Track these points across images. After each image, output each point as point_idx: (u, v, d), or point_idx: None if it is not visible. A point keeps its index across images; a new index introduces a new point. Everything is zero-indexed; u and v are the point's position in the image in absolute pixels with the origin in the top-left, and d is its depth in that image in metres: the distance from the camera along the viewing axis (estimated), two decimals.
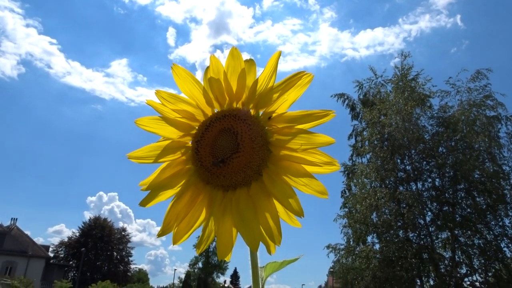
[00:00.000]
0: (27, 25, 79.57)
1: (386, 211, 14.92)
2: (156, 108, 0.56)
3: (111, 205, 72.48)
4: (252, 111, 0.54)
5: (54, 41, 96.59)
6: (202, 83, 0.56)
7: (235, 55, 0.54)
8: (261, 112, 0.54)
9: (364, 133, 18.03)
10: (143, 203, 0.55)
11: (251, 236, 0.49)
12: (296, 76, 0.51)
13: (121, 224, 67.00)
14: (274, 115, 0.52)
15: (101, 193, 70.48)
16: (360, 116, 19.03)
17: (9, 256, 35.05)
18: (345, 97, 19.93)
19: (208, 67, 0.55)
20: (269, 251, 0.50)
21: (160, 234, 0.53)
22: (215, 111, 0.55)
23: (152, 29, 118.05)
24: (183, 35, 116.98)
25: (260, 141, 0.51)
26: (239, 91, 0.54)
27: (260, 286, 0.58)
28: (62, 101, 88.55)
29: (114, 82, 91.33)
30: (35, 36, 79.99)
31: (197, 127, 0.56)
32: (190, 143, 0.56)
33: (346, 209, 16.87)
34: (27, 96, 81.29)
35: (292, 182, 0.50)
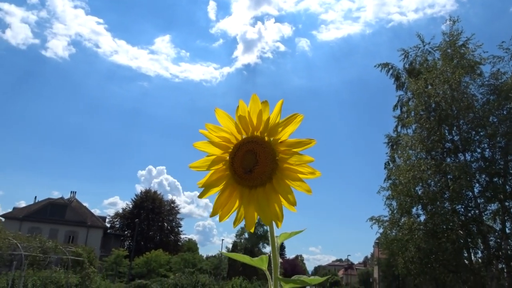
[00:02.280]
0: (75, 7, 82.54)
1: (432, 183, 14.77)
2: (206, 135, 0.89)
3: (160, 178, 75.82)
4: (266, 138, 0.85)
5: (101, 20, 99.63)
6: (234, 118, 0.87)
7: (254, 100, 0.84)
8: (272, 139, 0.84)
9: (410, 103, 17.64)
10: (200, 196, 0.89)
11: (265, 217, 0.81)
12: (293, 117, 0.82)
13: (170, 197, 70.20)
14: (279, 141, 0.83)
15: (150, 167, 73.81)
16: (405, 86, 18.60)
17: (70, 226, 38.17)
18: (390, 66, 19.48)
19: (238, 108, 0.86)
20: (278, 226, 0.83)
21: (211, 215, 0.87)
22: (243, 137, 0.87)
23: (193, 4, 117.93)
24: (224, 8, 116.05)
25: (271, 158, 0.83)
26: (258, 124, 0.85)
27: (276, 248, 0.91)
28: (111, 79, 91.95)
29: (159, 58, 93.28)
30: (83, 17, 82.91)
31: (232, 147, 0.88)
32: (228, 158, 0.88)
33: (390, 181, 16.81)
34: (78, 76, 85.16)
35: (291, 184, 0.82)
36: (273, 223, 0.85)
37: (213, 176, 0.89)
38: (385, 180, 17.38)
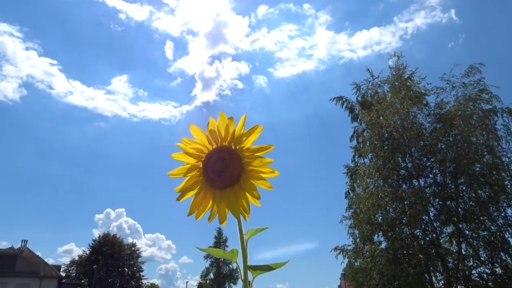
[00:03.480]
0: (27, 48, 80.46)
1: (390, 209, 15.34)
2: (182, 147, 1.06)
3: (119, 221, 72.79)
4: (233, 147, 1.03)
5: (55, 62, 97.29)
6: (206, 132, 1.05)
7: (222, 116, 1.03)
8: (238, 147, 1.03)
9: (365, 134, 18.49)
10: (178, 199, 1.05)
11: (235, 211, 0.98)
12: (254, 128, 1.01)
13: (130, 240, 67.24)
14: (244, 148, 1.02)
15: (108, 210, 70.81)
16: (359, 118, 19.53)
17: (21, 278, 35.57)
18: (344, 99, 20.45)
19: (208, 123, 1.04)
20: (245, 219, 1.00)
21: (188, 214, 1.03)
22: (213, 147, 1.05)
23: (150, 44, 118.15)
24: (181, 47, 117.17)
25: (238, 162, 1.01)
26: (226, 136, 1.03)
27: (245, 245, 1.07)
28: (65, 120, 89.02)
29: (116, 98, 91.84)
30: (35, 59, 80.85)
31: (204, 156, 1.05)
32: (201, 165, 1.05)
33: (352, 210, 17.29)
34: (30, 118, 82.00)
35: (255, 182, 1.00)
36: (241, 217, 1.02)
37: (189, 181, 1.06)
38: (346, 209, 17.87)
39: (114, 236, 47.80)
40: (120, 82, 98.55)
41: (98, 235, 49.51)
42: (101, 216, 70.68)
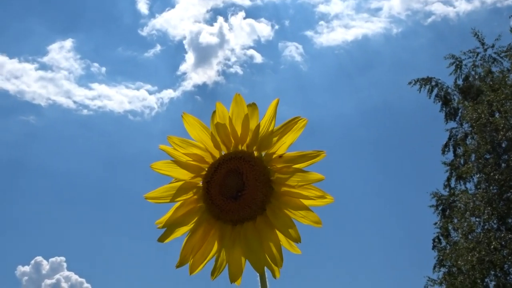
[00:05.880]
0: None
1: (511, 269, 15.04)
2: (169, 152, 1.04)
3: (56, 278, 73.29)
4: (255, 153, 1.00)
5: None
6: (210, 127, 1.03)
7: (238, 101, 1.01)
8: (263, 153, 1.00)
9: (468, 141, 18.19)
10: (161, 239, 1.03)
11: (257, 262, 0.96)
12: (292, 121, 0.98)
13: None
14: (274, 156, 0.99)
15: (38, 258, 71.46)
16: (459, 114, 19.25)
17: None
18: (433, 83, 20.18)
19: (214, 113, 1.02)
20: (274, 275, 0.97)
21: (178, 266, 1.00)
22: (223, 154, 1.03)
23: None
24: None
25: (263, 180, 0.98)
26: (243, 135, 1.01)
27: None
28: None
29: (54, 77, 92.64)
30: None
31: (206, 169, 1.03)
32: (200, 183, 1.03)
33: (445, 269, 17.00)
34: None
35: (292, 215, 0.97)
36: (267, 272, 0.99)
37: (180, 210, 1.03)
38: (435, 267, 17.55)
39: None
40: (62, 51, 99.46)
41: None
42: (27, 268, 71.41)
